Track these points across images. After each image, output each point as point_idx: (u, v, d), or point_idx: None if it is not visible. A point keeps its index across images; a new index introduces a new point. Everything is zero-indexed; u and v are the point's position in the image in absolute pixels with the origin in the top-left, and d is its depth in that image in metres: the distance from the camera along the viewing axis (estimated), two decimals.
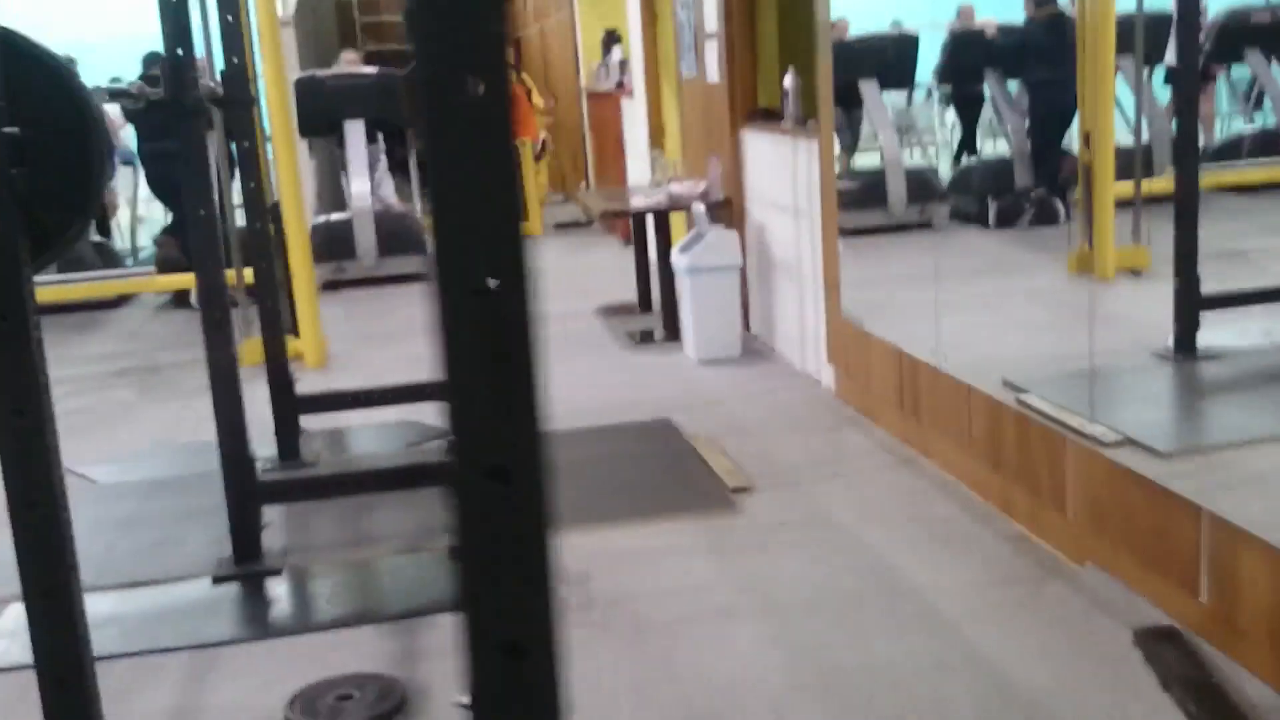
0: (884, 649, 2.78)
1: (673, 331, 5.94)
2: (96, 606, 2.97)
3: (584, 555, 3.32)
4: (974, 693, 2.56)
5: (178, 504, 3.91)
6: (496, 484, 0.80)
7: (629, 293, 6.84)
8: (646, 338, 6.07)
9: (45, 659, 1.56)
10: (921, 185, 5.69)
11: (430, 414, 4.49)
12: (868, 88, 5.50)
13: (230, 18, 3.87)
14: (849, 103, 5.42)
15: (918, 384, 4.03)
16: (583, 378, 5.30)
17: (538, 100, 11.36)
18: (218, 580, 3.26)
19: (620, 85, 9.52)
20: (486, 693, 0.83)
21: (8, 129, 1.56)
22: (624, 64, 9.48)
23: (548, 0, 12.57)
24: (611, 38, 10.15)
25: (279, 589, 3.25)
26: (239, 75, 3.94)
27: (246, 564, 3.29)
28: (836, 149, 4.92)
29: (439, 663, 2.75)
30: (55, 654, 1.54)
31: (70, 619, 1.62)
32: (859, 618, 2.95)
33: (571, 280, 7.67)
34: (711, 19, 6.00)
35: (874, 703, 2.56)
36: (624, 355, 5.83)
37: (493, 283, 0.76)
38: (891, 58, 5.62)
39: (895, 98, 5.73)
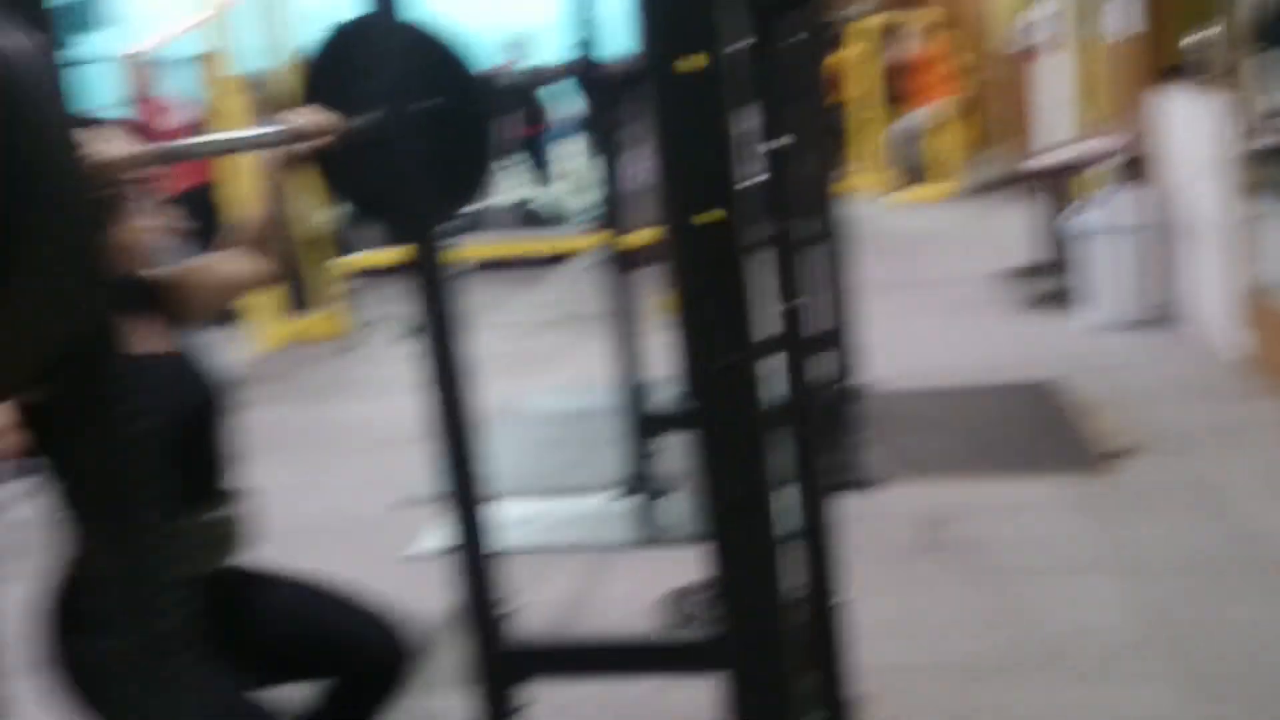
0: (1240, 615, 2.75)
1: (1072, 294, 5.82)
2: (518, 510, 3.52)
3: (945, 503, 3.47)
4: None
5: (590, 431, 4.42)
6: None
7: (1031, 256, 6.74)
8: (1048, 300, 5.99)
9: (462, 548, 1.92)
10: None
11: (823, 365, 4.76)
12: None
13: None
14: None
15: None
16: (974, 340, 5.36)
17: (965, 59, 11.21)
18: (617, 496, 3.72)
19: (1042, 43, 9.25)
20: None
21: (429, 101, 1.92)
22: (1045, 21, 9.20)
23: None
24: None
25: (667, 506, 3.67)
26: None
27: (642, 484, 3.72)
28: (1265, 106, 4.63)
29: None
30: (469, 545, 1.90)
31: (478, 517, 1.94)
32: (1221, 584, 2.91)
33: (973, 244, 7.64)
34: None
35: (1218, 664, 2.56)
36: (1017, 317, 5.80)
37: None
38: None
39: None
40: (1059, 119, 7.55)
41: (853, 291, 4.12)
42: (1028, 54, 9.59)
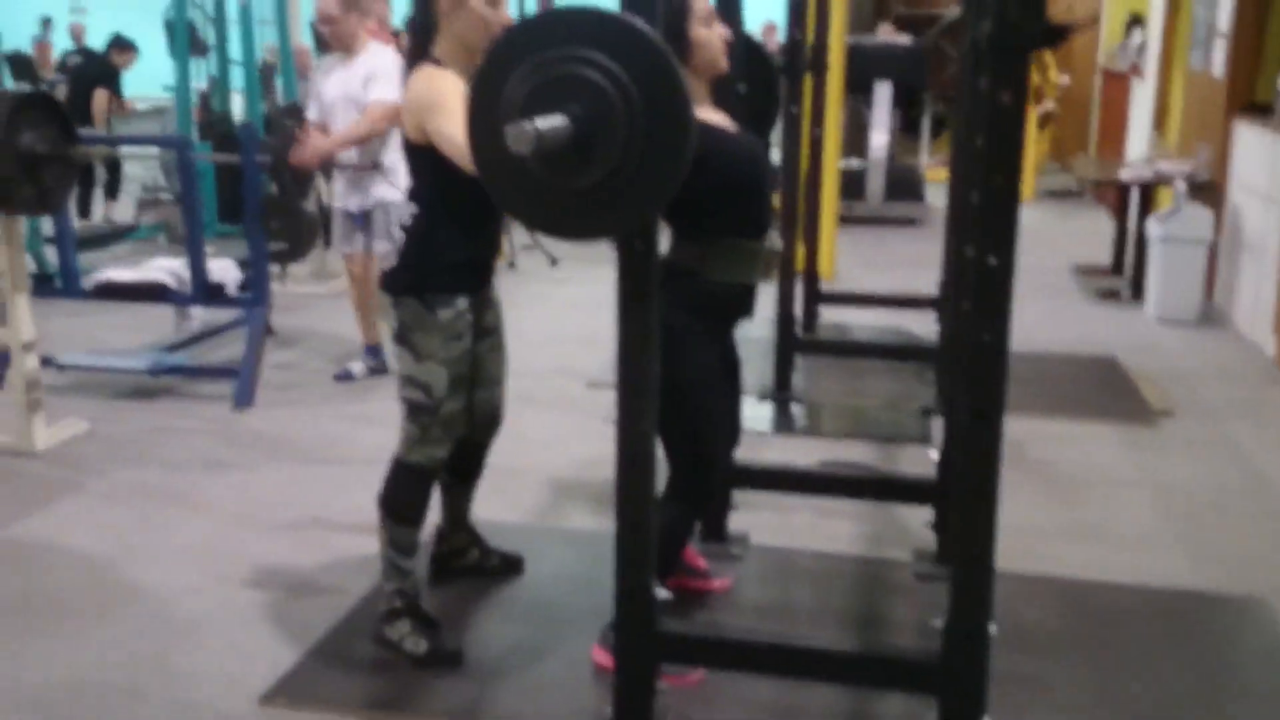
0: (1243, 522, 3.72)
1: (1138, 292, 6.75)
2: None
3: (1024, 433, 4.43)
4: None
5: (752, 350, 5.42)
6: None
7: (1105, 257, 7.67)
8: (1112, 294, 6.92)
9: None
10: None
11: (908, 322, 5.73)
12: None
13: None
14: None
15: None
16: (1048, 319, 6.30)
17: (1053, 76, 12.05)
18: (762, 399, 4.73)
19: (1134, 67, 10.09)
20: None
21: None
22: (1141, 47, 10.02)
23: None
24: (1134, 21, 10.65)
25: (799, 409, 4.70)
26: (799, 47, 5.10)
27: (782, 392, 4.74)
28: None
29: (899, 465, 4.03)
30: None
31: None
32: (1230, 502, 3.89)
33: (1055, 241, 8.55)
34: (1224, 18, 6.65)
35: (1220, 547, 3.53)
36: (1088, 306, 6.73)
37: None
38: None
39: None
40: (1144, 137, 8.43)
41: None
42: (1122, 75, 10.44)
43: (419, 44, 2.71)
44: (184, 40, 8.50)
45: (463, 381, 2.77)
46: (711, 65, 2.62)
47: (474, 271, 2.78)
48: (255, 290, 5.16)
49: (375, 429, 4.46)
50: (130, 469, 4.16)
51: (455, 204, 2.66)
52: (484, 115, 1.99)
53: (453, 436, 2.80)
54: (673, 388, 2.40)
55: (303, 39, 10.78)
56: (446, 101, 2.52)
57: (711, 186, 2.50)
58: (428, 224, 2.69)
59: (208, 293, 5.13)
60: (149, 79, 11.72)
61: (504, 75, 1.94)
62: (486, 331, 2.89)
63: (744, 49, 2.79)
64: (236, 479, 4.08)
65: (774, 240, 2.71)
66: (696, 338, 2.61)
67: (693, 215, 2.56)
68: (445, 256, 2.69)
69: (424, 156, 2.63)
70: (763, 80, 3.39)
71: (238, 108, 9.26)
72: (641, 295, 2.11)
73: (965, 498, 2.10)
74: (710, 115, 2.62)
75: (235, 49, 8.89)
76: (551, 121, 1.85)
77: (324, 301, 6.82)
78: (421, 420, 2.74)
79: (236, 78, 9.05)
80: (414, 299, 2.68)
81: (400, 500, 2.80)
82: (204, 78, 10.00)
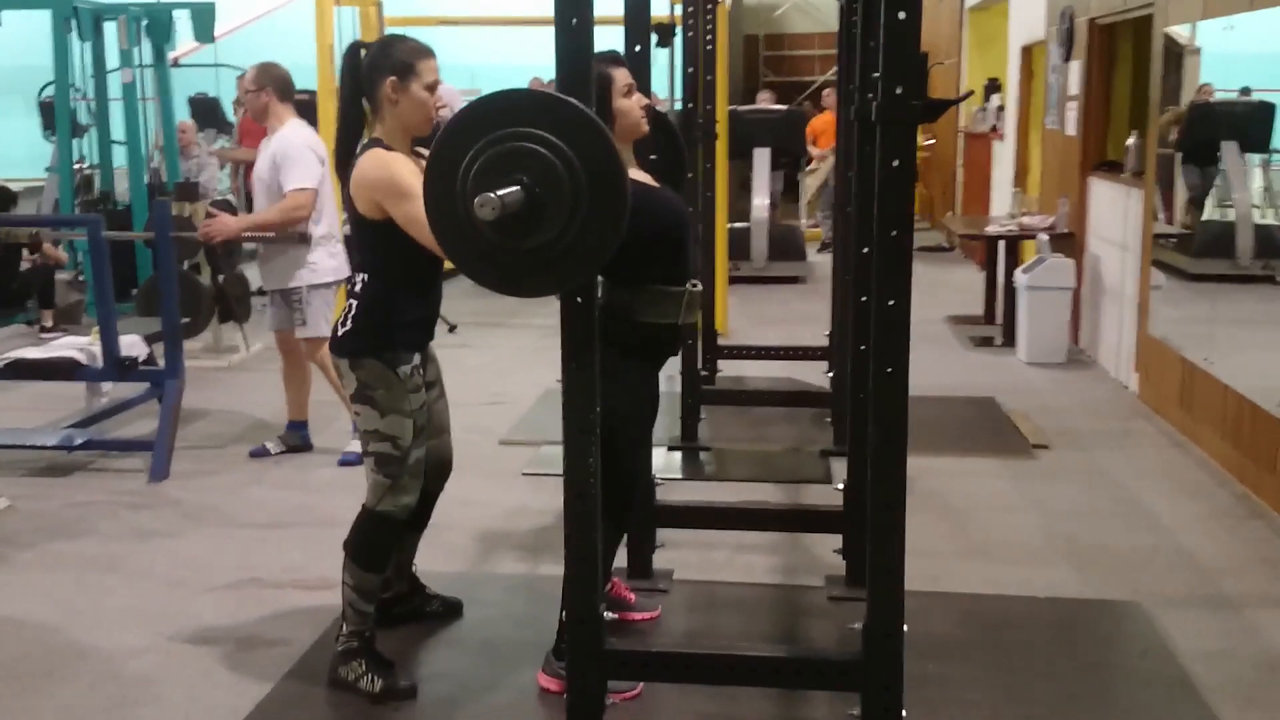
0: (1117, 537, 4.10)
1: (1009, 338, 7.23)
2: None
3: (914, 469, 4.70)
4: (1169, 561, 3.85)
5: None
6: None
7: (977, 307, 8.16)
8: (986, 341, 7.39)
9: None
10: (1266, 240, 6.61)
11: (799, 372, 6.07)
12: (1228, 147, 6.42)
13: (690, 69, 5.32)
14: (1204, 160, 6.44)
15: (1194, 386, 5.19)
16: (929, 365, 6.70)
17: (919, 139, 12.72)
18: (672, 448, 5.00)
19: (994, 129, 10.77)
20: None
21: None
22: (1000, 110, 10.71)
23: (940, 46, 13.88)
24: (992, 86, 11.36)
25: (707, 456, 4.98)
26: (693, 115, 5.42)
27: (690, 440, 5.02)
28: (1184, 199, 5.98)
29: (805, 499, 4.32)
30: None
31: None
32: (1104, 521, 4.27)
33: (929, 294, 9.05)
34: (1074, 83, 7.24)
35: (1098, 559, 3.89)
36: (964, 353, 7.18)
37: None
38: (1252, 122, 6.51)
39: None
40: (1007, 193, 9.02)
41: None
42: (984, 136, 11.12)
43: (350, 128, 2.92)
44: (66, 120, 8.50)
45: (424, 431, 2.98)
46: (634, 130, 2.92)
47: (423, 330, 3.02)
48: (170, 363, 5.25)
49: (297, 493, 4.60)
50: (58, 540, 4.22)
51: (409, 271, 2.89)
52: (442, 187, 2.22)
53: (419, 484, 2.99)
54: (604, 415, 2.64)
55: (183, 116, 10.83)
56: (407, 186, 2.75)
57: (642, 237, 2.76)
58: (383, 290, 2.90)
59: (121, 368, 5.20)
60: (20, 162, 11.63)
61: (461, 151, 2.18)
62: (431, 384, 3.11)
63: (652, 119, 3.08)
64: (165, 545, 4.17)
65: (695, 284, 2.99)
66: (627, 372, 2.86)
67: (624, 263, 2.83)
68: (400, 317, 2.91)
69: (379, 231, 2.85)
70: (672, 149, 3.69)
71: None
72: (584, 343, 2.35)
73: (877, 510, 2.37)
74: (637, 174, 2.90)
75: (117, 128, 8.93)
76: (509, 190, 2.10)
77: (223, 374, 6.88)
78: (390, 470, 2.93)
79: (118, 155, 9.08)
80: (373, 359, 2.89)
81: (367, 547, 2.98)
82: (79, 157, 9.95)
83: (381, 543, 2.99)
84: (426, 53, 2.91)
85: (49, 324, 8.08)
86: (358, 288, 2.93)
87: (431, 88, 2.89)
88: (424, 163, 2.27)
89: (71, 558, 4.05)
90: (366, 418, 2.93)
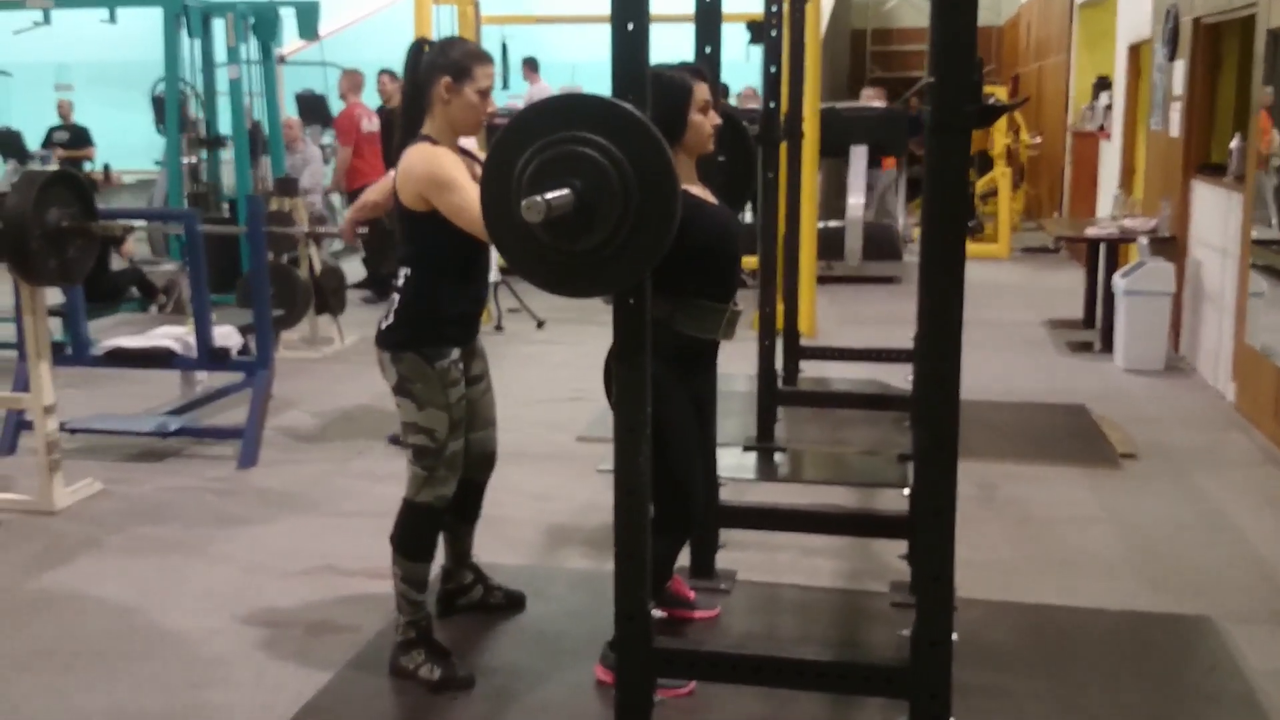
0: (1196, 551, 3.98)
1: (1107, 343, 7.05)
2: None
3: (997, 475, 4.69)
4: (1248, 577, 3.73)
5: (736, 403, 5.62)
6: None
7: (1077, 311, 7.97)
8: (1084, 347, 7.22)
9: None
10: None
11: (886, 375, 5.99)
12: None
13: (774, 68, 5.30)
14: None
15: None
16: (1022, 370, 6.59)
17: (1024, 137, 12.49)
18: (747, 449, 4.99)
19: (1101, 128, 10.50)
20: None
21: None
22: (1108, 109, 10.43)
23: (1050, 42, 13.58)
24: (1101, 84, 11.07)
25: (782, 457, 4.95)
26: (774, 115, 5.37)
27: (765, 441, 5.00)
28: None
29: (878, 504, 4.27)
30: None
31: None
32: (1185, 534, 4.14)
33: (1029, 296, 8.87)
34: (1178, 83, 7.03)
35: (1175, 573, 3.78)
36: (1060, 358, 7.02)
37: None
38: None
39: None
40: (1111, 195, 8.79)
41: None
42: (1091, 135, 10.85)
43: (411, 123, 2.99)
44: (175, 115, 8.79)
45: (461, 424, 3.03)
46: (701, 146, 2.94)
47: (465, 325, 3.08)
48: (260, 354, 5.41)
49: (379, 484, 4.70)
50: (146, 525, 4.38)
51: (451, 265, 2.95)
52: (497, 188, 2.26)
53: (456, 475, 3.05)
54: (657, 429, 2.65)
55: (289, 112, 11.11)
56: (450, 177, 2.81)
57: (688, 250, 2.77)
58: (425, 284, 2.96)
59: (213, 357, 5.37)
60: (138, 152, 12.06)
61: (516, 153, 2.22)
62: (476, 378, 3.18)
63: (722, 115, 3.08)
64: (248, 532, 4.30)
65: (736, 304, 3.01)
66: (668, 381, 2.87)
67: (669, 274, 2.84)
68: (442, 312, 2.97)
69: (423, 224, 2.90)
70: (741, 149, 3.68)
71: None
72: (635, 344, 2.37)
73: (925, 516, 2.34)
74: (693, 188, 2.91)
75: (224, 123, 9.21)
76: (558, 193, 2.13)
77: (317, 365, 7.06)
78: (427, 462, 3.00)
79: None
80: (413, 353, 2.95)
81: (411, 538, 3.04)
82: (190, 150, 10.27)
83: (423, 533, 3.06)
84: (484, 58, 2.96)
85: (169, 309, 8.47)
86: (400, 282, 2.99)
87: (485, 92, 2.94)
88: (469, 160, 2.30)
89: (157, 541, 4.21)
90: (406, 410, 2.99)
